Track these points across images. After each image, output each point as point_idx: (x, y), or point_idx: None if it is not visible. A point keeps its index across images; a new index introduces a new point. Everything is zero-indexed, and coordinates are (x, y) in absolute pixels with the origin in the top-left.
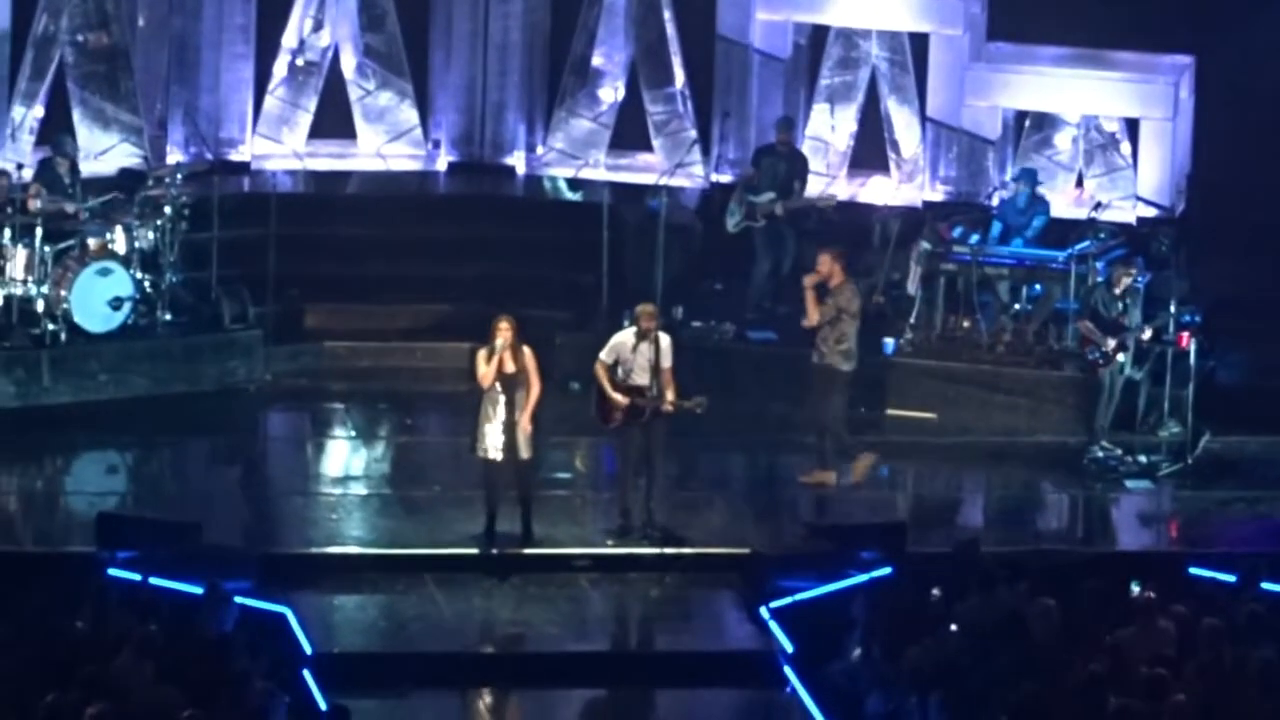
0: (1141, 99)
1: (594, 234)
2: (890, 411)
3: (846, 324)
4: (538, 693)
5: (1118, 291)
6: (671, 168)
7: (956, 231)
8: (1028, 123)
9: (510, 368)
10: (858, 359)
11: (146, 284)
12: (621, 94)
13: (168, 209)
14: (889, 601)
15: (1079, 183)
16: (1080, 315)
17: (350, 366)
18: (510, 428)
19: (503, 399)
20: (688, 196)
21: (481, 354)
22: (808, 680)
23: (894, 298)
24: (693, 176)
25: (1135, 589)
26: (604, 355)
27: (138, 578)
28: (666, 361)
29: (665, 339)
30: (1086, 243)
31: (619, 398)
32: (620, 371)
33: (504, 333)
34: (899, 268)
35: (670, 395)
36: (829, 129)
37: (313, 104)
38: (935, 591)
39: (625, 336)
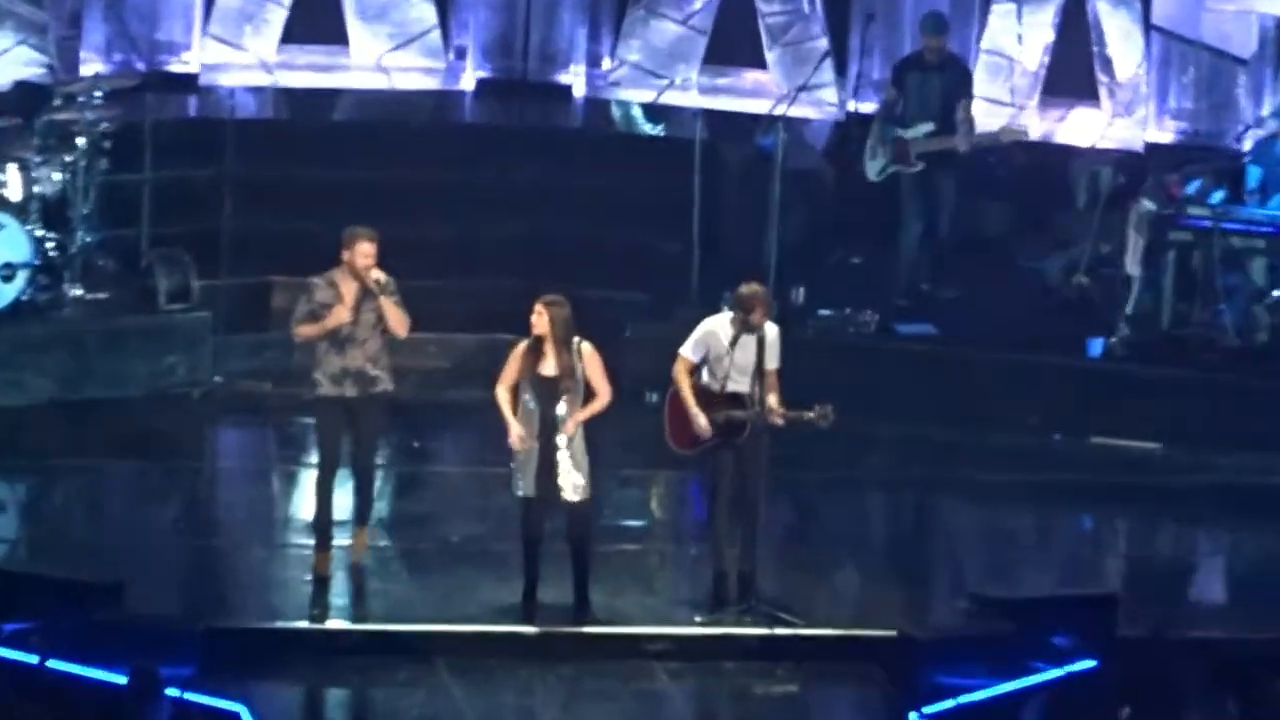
0: None
1: (681, 183)
2: (1097, 440)
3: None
4: None
5: None
6: (793, 91)
7: (1193, 187)
8: None
9: (551, 370)
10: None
11: (49, 245)
12: None
13: (81, 140)
14: (1089, 708)
15: None
16: None
17: None
18: (551, 454)
19: (539, 414)
20: (814, 132)
21: (518, 351)
22: None
23: (1104, 279)
24: (822, 104)
25: None
26: (687, 350)
27: (35, 659)
28: (773, 362)
29: (773, 331)
30: None
31: (703, 420)
32: (708, 374)
33: (540, 317)
34: (1111, 238)
35: (776, 403)
36: (1014, 40)
37: None
38: (1125, 711)
39: (718, 325)
